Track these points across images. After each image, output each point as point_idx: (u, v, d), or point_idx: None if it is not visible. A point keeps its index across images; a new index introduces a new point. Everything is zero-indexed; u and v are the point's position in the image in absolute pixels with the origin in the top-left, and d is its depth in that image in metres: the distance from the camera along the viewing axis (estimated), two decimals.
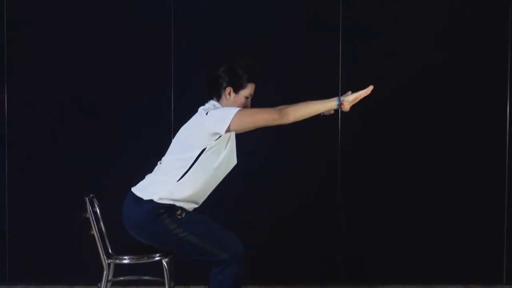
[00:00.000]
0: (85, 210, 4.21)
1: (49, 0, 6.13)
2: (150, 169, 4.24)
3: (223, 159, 4.08)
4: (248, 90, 4.18)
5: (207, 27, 6.25)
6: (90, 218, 4.18)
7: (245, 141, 5.63)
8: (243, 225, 5.92)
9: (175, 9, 6.21)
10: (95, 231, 4.19)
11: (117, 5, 6.18)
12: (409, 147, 6.32)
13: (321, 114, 4.13)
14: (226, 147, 4.07)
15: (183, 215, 4.03)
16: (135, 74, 6.16)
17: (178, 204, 4.04)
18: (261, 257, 6.15)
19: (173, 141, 4.22)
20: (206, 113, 4.00)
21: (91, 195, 4.32)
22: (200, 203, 4.22)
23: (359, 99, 4.00)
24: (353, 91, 4.11)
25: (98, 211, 4.37)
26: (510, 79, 6.33)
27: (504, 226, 6.30)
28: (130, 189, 4.15)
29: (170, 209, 4.01)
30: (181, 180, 4.02)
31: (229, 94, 4.15)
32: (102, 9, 6.21)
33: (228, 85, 4.15)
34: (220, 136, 3.98)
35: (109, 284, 4.37)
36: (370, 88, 3.95)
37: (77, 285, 6.14)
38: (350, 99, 3.96)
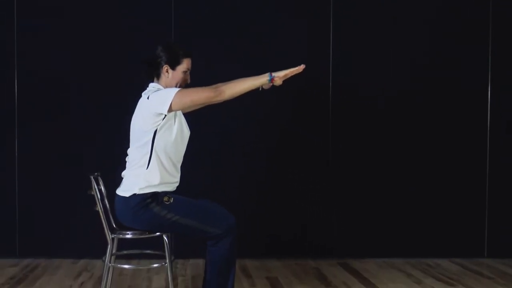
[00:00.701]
0: (91, 187, 4.18)
1: None
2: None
3: (176, 133, 4.11)
4: (185, 65, 4.20)
5: (207, 27, 6.21)
6: (95, 195, 4.17)
7: (246, 143, 5.98)
8: (240, 198, 6.03)
9: (175, 9, 6.14)
10: (99, 208, 4.18)
11: (117, 5, 6.14)
12: (401, 138, 6.39)
13: (260, 89, 4.11)
14: (175, 121, 4.11)
15: (171, 201, 4.06)
16: (134, 74, 6.01)
17: (159, 189, 4.07)
18: (255, 231, 6.21)
19: (130, 132, 4.25)
20: (148, 97, 4.04)
21: (96, 173, 4.33)
22: (178, 179, 4.25)
23: (289, 76, 4.03)
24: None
25: (102, 188, 4.37)
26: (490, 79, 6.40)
27: (485, 205, 6.38)
28: (115, 192, 4.20)
29: (156, 197, 4.05)
30: (149, 166, 4.06)
31: (167, 71, 4.17)
32: (102, 8, 6.15)
33: (166, 63, 4.17)
34: (165, 116, 4.00)
35: (113, 257, 4.35)
36: (302, 66, 4.00)
37: (83, 258, 6.15)
38: (281, 75, 3.99)
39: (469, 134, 6.39)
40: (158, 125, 4.00)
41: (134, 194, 4.02)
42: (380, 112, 6.37)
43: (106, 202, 4.40)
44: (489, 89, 6.35)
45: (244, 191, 6.26)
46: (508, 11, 6.31)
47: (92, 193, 4.18)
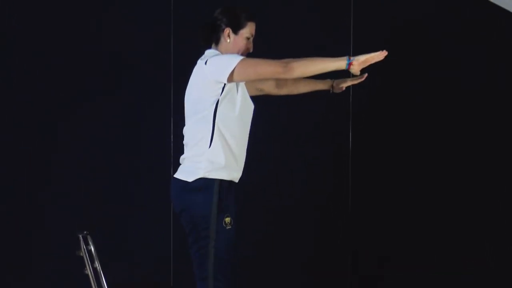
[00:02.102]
0: (79, 248, 4.12)
1: None
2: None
3: (240, 106, 3.82)
4: (248, 29, 3.91)
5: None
6: (84, 258, 4.09)
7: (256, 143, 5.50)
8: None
9: (174, 9, 6.04)
10: (89, 272, 4.09)
11: (117, 5, 6.03)
12: (415, 146, 6.26)
13: (330, 91, 4.06)
14: (238, 91, 3.85)
15: (227, 226, 3.76)
16: (135, 74, 5.95)
17: (226, 176, 3.75)
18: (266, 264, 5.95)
19: (185, 106, 3.99)
20: (205, 63, 3.80)
21: (85, 232, 4.20)
22: (242, 163, 3.92)
23: (369, 63, 3.76)
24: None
25: (92, 249, 4.21)
26: None
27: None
28: (173, 177, 3.93)
29: (223, 192, 3.73)
30: (212, 144, 3.73)
31: (228, 35, 3.87)
32: (102, 9, 6.02)
33: (227, 25, 3.86)
34: (225, 85, 3.76)
35: None
36: (384, 52, 3.72)
37: None
38: (361, 59, 3.70)
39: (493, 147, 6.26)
40: (219, 95, 3.75)
41: (199, 178, 3.73)
42: (395, 119, 6.21)
43: (98, 264, 4.22)
44: None
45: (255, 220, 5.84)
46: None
47: (81, 254, 4.09)
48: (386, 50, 3.68)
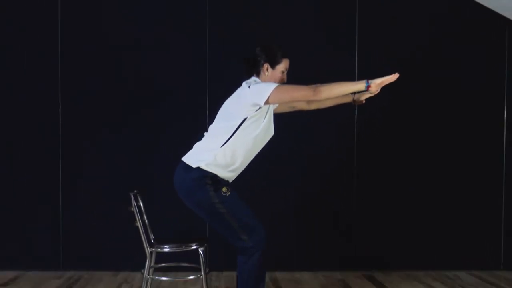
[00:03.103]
0: (130, 204, 4.26)
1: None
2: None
3: (262, 128, 4.06)
4: (283, 65, 4.16)
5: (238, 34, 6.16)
6: (135, 212, 4.22)
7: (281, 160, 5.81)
8: (268, 213, 5.84)
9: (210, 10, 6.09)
10: (139, 224, 4.23)
11: (171, 49, 6.12)
12: (417, 145, 6.29)
13: (353, 103, 4.21)
14: (265, 117, 4.06)
15: (227, 194, 4.00)
16: (171, 77, 6.13)
17: (221, 174, 4.02)
18: (284, 245, 6.17)
19: (219, 111, 4.19)
20: (249, 86, 4.00)
21: (135, 191, 4.37)
22: (240, 171, 4.18)
23: (385, 84, 3.99)
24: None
25: (141, 205, 4.41)
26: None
27: (502, 217, 6.31)
28: (181, 159, 4.16)
29: (216, 181, 4.00)
30: (224, 145, 4.00)
31: (267, 69, 4.14)
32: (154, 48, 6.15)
33: (265, 61, 4.13)
34: (260, 108, 3.97)
35: (151, 270, 4.41)
36: (396, 75, 3.94)
37: (123, 271, 6.15)
38: (377, 82, 3.95)
39: (487, 146, 6.33)
40: (250, 114, 3.99)
41: (199, 168, 4.01)
42: (396, 122, 6.30)
43: (145, 218, 4.45)
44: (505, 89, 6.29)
45: (278, 210, 6.20)
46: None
47: (132, 209, 4.23)
48: (398, 74, 3.92)
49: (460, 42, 6.30)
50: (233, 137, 4.00)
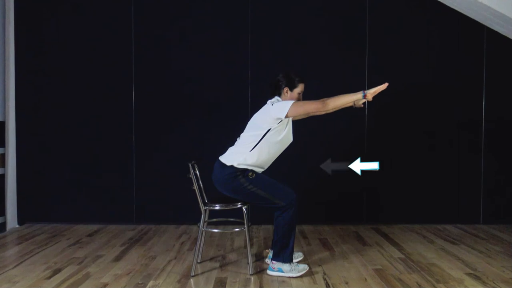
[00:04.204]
0: (189, 172, 4.40)
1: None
2: (232, 144, 4.51)
3: (283, 136, 4.29)
4: (299, 89, 4.42)
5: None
6: (193, 178, 4.38)
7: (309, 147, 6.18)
8: (297, 178, 6.33)
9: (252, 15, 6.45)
10: (196, 187, 4.38)
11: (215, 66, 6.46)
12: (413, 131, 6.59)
13: (353, 107, 4.31)
14: (285, 128, 4.29)
15: (253, 176, 4.26)
16: (221, 81, 6.48)
17: (249, 168, 4.27)
18: (311, 203, 6.55)
19: (248, 123, 4.42)
20: (272, 104, 4.25)
21: (193, 162, 4.56)
22: (266, 168, 4.42)
23: (378, 92, 4.12)
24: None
25: (197, 173, 4.66)
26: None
27: (481, 181, 6.67)
28: (218, 158, 4.43)
29: (244, 172, 4.24)
30: (252, 150, 4.26)
31: (287, 92, 4.40)
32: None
33: (285, 86, 4.39)
34: (281, 121, 4.20)
35: (205, 224, 4.59)
36: (386, 84, 4.07)
37: (183, 224, 6.53)
38: (371, 91, 4.10)
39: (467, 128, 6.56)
40: (273, 126, 4.21)
41: (232, 166, 4.25)
42: (396, 107, 6.54)
43: (201, 183, 4.64)
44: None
45: (306, 177, 6.53)
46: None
47: (190, 176, 4.38)
48: (387, 83, 4.09)
49: (460, 43, 6.47)
50: (259, 144, 4.27)
